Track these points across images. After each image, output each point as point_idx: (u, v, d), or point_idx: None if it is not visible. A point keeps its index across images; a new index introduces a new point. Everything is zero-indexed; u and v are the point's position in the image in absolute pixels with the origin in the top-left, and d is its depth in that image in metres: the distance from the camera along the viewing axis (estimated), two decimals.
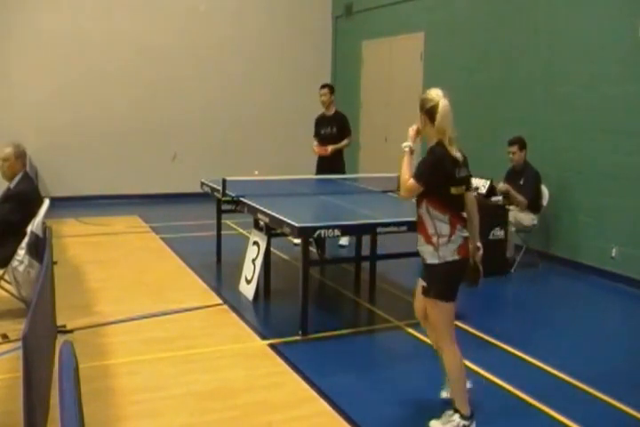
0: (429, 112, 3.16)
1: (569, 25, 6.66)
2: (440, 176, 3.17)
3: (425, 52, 8.96)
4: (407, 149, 3.35)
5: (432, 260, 3.22)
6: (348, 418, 3.43)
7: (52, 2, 9.71)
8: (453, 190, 3.20)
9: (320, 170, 7.41)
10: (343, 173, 7.31)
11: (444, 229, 3.19)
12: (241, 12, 10.80)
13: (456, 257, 3.18)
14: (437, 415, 3.44)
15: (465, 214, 3.32)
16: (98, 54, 9.93)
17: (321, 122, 7.49)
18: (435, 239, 3.20)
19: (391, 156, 10.21)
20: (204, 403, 3.57)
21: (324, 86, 7.52)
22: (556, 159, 6.84)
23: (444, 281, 3.23)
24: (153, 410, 3.48)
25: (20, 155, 4.97)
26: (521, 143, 6.62)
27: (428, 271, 3.26)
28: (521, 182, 6.60)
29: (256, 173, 5.76)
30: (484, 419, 3.51)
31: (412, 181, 3.18)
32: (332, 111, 7.45)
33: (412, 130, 3.34)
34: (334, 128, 7.34)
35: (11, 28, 9.53)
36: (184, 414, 3.44)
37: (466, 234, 3.25)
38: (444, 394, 3.59)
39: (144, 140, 10.40)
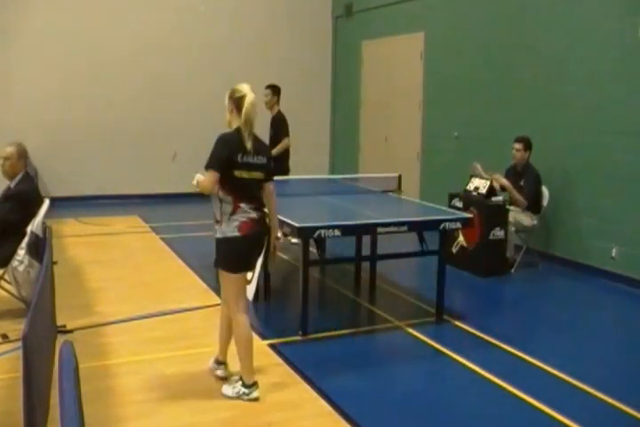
0: (237, 101, 3.59)
1: (569, 24, 6.66)
2: (224, 158, 3.52)
3: (425, 52, 8.96)
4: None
5: (217, 235, 3.58)
6: (348, 418, 3.43)
7: (52, 1, 9.72)
8: (236, 173, 3.51)
9: None
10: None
11: (228, 208, 3.52)
12: (241, 11, 10.80)
13: (236, 233, 3.49)
14: (437, 415, 3.45)
15: (257, 199, 3.62)
16: (97, 54, 9.93)
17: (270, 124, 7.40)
18: (219, 217, 3.56)
19: (391, 156, 10.27)
20: (203, 403, 3.57)
21: (267, 87, 7.38)
22: (557, 159, 6.84)
23: (226, 254, 3.57)
24: (153, 410, 3.48)
25: (23, 154, 4.96)
26: (526, 143, 6.60)
27: (216, 245, 3.62)
28: (521, 183, 6.61)
29: None
30: (484, 418, 3.52)
31: (207, 172, 3.51)
32: (274, 112, 7.36)
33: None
34: (271, 130, 7.26)
35: (10, 27, 9.54)
36: (184, 414, 3.44)
37: (253, 215, 3.54)
38: (219, 373, 3.84)
39: (144, 139, 10.40)
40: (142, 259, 6.79)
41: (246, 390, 3.55)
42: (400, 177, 6.19)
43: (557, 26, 6.80)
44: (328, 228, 4.42)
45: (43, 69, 9.73)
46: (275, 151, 6.83)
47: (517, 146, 6.62)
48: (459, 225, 4.95)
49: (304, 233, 4.43)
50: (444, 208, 5.66)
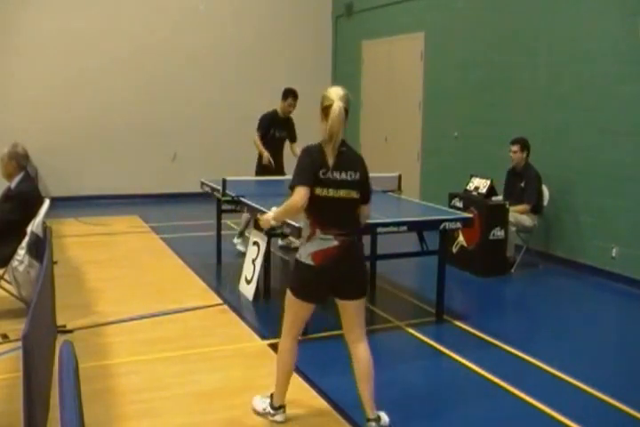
0: (323, 111, 3.11)
1: (569, 24, 6.65)
2: (307, 169, 3.08)
3: (425, 52, 8.96)
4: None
5: (297, 253, 3.23)
6: (348, 418, 3.43)
7: (53, 1, 9.72)
8: (318, 191, 3.06)
9: None
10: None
11: (306, 230, 3.17)
12: (241, 11, 10.80)
13: (309, 262, 3.11)
14: (437, 415, 3.45)
15: (342, 224, 3.13)
16: (98, 54, 9.93)
17: None
18: (302, 237, 3.23)
19: (391, 156, 10.27)
20: (203, 403, 3.57)
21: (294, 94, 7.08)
22: (557, 159, 6.84)
23: (295, 276, 3.26)
24: (153, 410, 3.48)
25: (15, 155, 4.91)
26: (522, 144, 6.61)
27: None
28: (522, 185, 6.60)
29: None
30: (484, 418, 3.52)
31: (293, 191, 3.07)
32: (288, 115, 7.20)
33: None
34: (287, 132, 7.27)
35: (10, 28, 9.54)
36: (184, 414, 3.44)
37: (329, 244, 3.09)
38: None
39: (144, 140, 10.40)
40: (142, 259, 6.78)
41: (272, 411, 3.39)
42: (400, 177, 6.18)
43: (558, 25, 6.79)
44: None
45: (43, 69, 9.73)
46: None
47: (514, 148, 6.62)
48: (459, 225, 4.96)
49: None
50: (444, 208, 5.66)
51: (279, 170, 7.02)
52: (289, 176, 6.98)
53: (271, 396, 3.40)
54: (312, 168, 3.06)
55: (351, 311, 3.27)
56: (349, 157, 3.14)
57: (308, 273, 3.15)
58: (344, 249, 3.11)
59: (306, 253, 3.13)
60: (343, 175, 3.08)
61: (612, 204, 6.22)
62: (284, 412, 3.38)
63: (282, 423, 3.36)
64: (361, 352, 3.28)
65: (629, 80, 6.02)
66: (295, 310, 3.31)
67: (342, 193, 3.08)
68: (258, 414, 3.42)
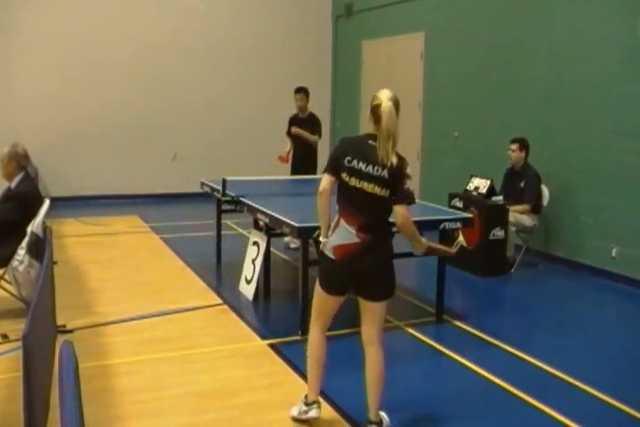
0: (372, 110, 3.13)
1: (569, 24, 6.66)
2: (333, 157, 3.22)
3: (425, 52, 8.96)
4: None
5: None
6: (348, 418, 3.43)
7: (53, 1, 9.72)
8: (343, 176, 3.14)
9: None
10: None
11: (335, 219, 3.22)
12: (241, 11, 10.80)
13: (330, 255, 3.19)
14: (437, 415, 3.44)
15: (367, 219, 3.15)
16: (98, 54, 9.94)
17: None
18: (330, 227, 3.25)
19: None
20: (204, 403, 3.57)
21: (300, 91, 7.48)
22: (557, 159, 6.84)
23: (319, 265, 3.33)
24: (153, 410, 3.48)
25: (15, 156, 4.92)
26: (522, 143, 6.62)
27: None
28: (521, 185, 6.60)
29: None
30: (484, 418, 3.52)
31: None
32: (306, 114, 7.56)
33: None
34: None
35: (10, 28, 9.54)
36: (184, 414, 3.44)
37: (351, 239, 3.13)
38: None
39: (144, 140, 10.40)
40: (142, 259, 6.79)
41: (304, 407, 3.38)
42: None
43: (558, 26, 6.79)
44: None
45: (43, 69, 9.73)
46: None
47: (513, 147, 6.63)
48: (459, 225, 4.95)
49: (304, 233, 4.42)
50: (443, 208, 5.66)
51: (302, 168, 7.31)
52: (291, 177, 7.14)
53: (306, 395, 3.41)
54: (338, 156, 3.19)
55: (369, 312, 3.31)
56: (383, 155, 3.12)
57: (328, 265, 3.24)
58: (365, 247, 3.15)
59: (329, 245, 3.20)
60: (369, 168, 3.09)
61: (612, 204, 6.22)
62: (319, 407, 3.37)
63: (281, 424, 3.36)
64: (372, 355, 3.31)
65: (629, 80, 6.02)
66: (319, 299, 3.34)
67: (365, 185, 3.10)
68: (296, 420, 3.37)
